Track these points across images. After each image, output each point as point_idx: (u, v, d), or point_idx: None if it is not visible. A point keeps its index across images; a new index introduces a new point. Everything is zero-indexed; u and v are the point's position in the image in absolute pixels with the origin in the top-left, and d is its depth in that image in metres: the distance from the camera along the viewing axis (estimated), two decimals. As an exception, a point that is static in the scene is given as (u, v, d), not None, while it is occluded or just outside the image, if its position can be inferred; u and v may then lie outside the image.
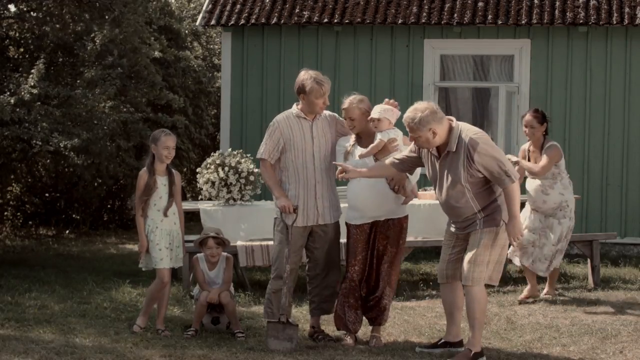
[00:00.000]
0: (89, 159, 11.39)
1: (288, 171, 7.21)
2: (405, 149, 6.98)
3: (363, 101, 7.18)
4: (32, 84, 10.95)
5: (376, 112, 7.10)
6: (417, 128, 6.50)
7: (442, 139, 6.56)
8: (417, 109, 6.55)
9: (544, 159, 8.69)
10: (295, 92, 7.25)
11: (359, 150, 7.15)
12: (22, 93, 10.87)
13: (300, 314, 8.19)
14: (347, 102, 7.19)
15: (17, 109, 10.79)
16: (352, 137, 7.23)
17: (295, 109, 7.28)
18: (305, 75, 7.17)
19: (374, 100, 7.54)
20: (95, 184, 15.19)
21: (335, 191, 7.34)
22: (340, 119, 7.33)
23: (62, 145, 10.72)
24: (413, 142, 6.75)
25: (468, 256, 6.62)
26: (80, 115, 11.34)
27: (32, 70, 11.13)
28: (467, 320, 6.76)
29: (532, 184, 8.85)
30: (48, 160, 12.24)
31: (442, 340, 7.03)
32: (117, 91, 12.65)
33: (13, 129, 10.90)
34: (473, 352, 6.62)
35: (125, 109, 13.02)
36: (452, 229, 6.86)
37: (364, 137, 7.22)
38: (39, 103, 11.04)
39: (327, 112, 7.34)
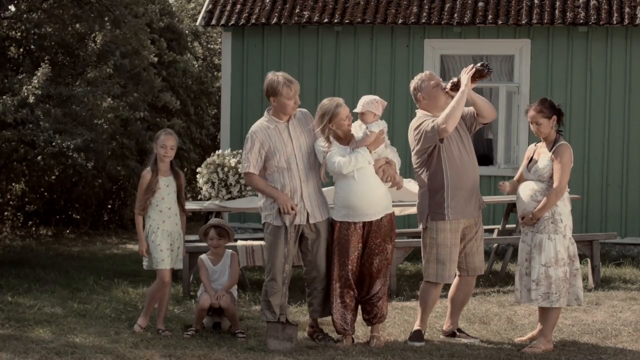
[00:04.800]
0: (91, 158, 11.34)
1: (273, 175, 7.21)
2: (388, 143, 7.26)
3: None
4: (36, 85, 10.91)
5: (359, 105, 7.17)
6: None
7: None
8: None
9: (556, 169, 6.89)
10: (265, 96, 7.22)
11: (338, 147, 7.12)
12: (26, 94, 10.83)
13: (301, 313, 8.19)
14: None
15: (20, 110, 10.75)
16: (323, 139, 7.15)
17: (267, 115, 7.26)
18: (273, 77, 7.13)
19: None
20: (96, 183, 15.19)
21: (321, 189, 7.34)
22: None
23: (64, 146, 10.69)
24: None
25: (480, 247, 7.30)
26: (81, 115, 11.32)
27: (37, 73, 11.08)
28: (459, 306, 7.45)
29: (522, 187, 7.13)
30: (52, 161, 12.17)
31: (423, 332, 7.34)
32: (122, 90, 12.63)
33: (14, 132, 10.88)
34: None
35: (124, 110, 13.01)
36: (461, 222, 7.15)
37: (342, 136, 7.22)
38: (41, 103, 11.02)
39: (299, 110, 7.33)
